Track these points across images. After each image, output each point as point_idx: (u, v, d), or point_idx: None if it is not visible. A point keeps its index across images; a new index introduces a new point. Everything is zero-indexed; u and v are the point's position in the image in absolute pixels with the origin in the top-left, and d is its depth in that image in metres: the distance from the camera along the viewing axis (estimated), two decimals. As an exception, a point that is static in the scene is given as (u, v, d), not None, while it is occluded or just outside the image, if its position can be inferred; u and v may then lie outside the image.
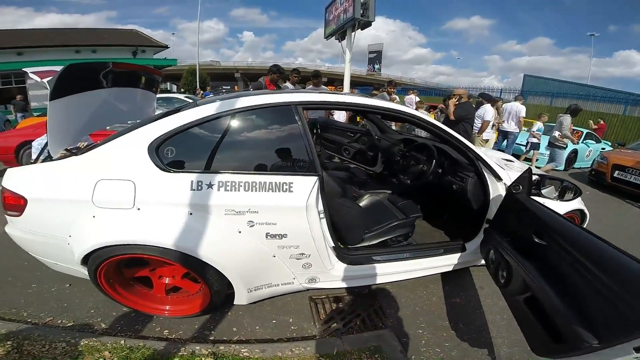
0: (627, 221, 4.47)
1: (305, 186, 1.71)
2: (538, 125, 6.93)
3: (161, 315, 1.96)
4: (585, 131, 8.14)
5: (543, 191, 2.38)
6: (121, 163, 1.64)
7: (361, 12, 9.21)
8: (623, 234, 3.83)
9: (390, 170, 3.43)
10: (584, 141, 7.88)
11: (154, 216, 1.60)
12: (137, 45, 19.74)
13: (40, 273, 2.28)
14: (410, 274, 2.18)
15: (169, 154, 1.64)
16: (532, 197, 1.81)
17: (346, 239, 2.15)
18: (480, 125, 5.42)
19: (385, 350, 1.80)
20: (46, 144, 2.01)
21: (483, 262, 2.19)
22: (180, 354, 1.65)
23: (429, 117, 2.24)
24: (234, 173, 1.66)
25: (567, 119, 5.52)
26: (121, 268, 1.88)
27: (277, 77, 4.62)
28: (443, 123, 2.67)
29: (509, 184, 2.05)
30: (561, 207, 2.30)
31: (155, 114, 2.57)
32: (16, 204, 1.65)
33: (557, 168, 6.13)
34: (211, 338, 1.86)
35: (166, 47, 21.32)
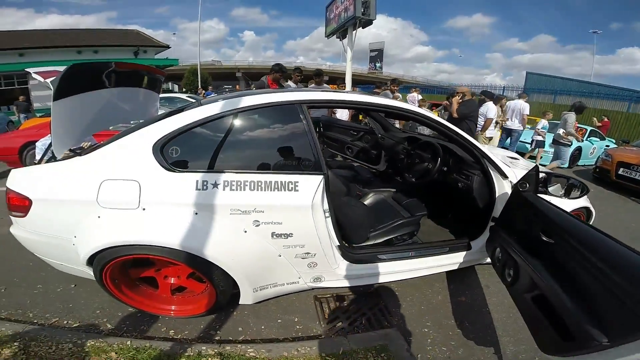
0: (632, 219, 4.44)
1: (311, 185, 1.70)
2: (543, 122, 6.89)
3: (167, 315, 1.96)
4: (589, 129, 8.08)
5: (549, 189, 2.36)
6: (126, 163, 1.64)
7: (362, 10, 9.20)
8: (628, 231, 3.81)
9: (394, 168, 3.41)
10: (588, 139, 7.82)
11: (160, 216, 1.59)
12: (139, 45, 19.81)
13: (46, 273, 2.28)
14: (415, 273, 2.17)
15: (174, 154, 1.64)
16: (539, 194, 1.79)
17: (351, 238, 2.14)
18: (483, 123, 5.39)
19: (392, 349, 1.79)
20: (50, 145, 2.02)
21: (489, 260, 2.18)
22: (186, 354, 1.64)
23: (434, 115, 2.22)
24: (239, 172, 1.66)
25: (571, 117, 5.49)
26: (127, 268, 1.87)
27: (279, 76, 4.62)
28: (447, 121, 2.65)
29: (514, 182, 2.04)
30: (567, 205, 2.28)
31: (159, 114, 2.56)
32: (21, 205, 1.65)
33: (562, 166, 6.10)
34: (217, 338, 1.86)
35: (167, 47, 21.39)
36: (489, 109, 5.40)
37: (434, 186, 2.70)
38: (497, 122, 6.08)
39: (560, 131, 5.64)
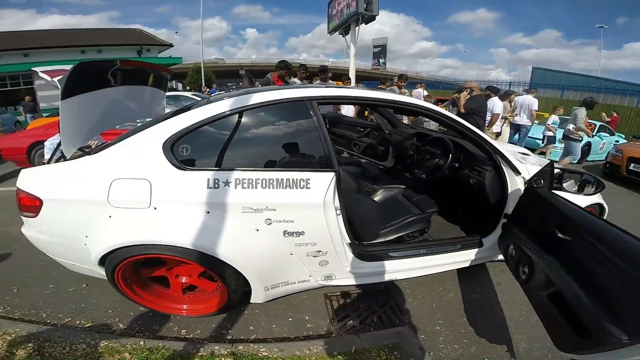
0: (643, 214, 4.37)
1: (323, 182, 1.68)
2: (553, 118, 6.81)
3: (179, 314, 1.95)
4: (598, 124, 7.99)
5: (564, 185, 2.32)
6: (136, 162, 1.62)
7: (365, 6, 9.15)
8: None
9: (403, 164, 3.38)
10: (597, 134, 7.73)
11: (171, 215, 1.58)
12: (142, 44, 19.90)
13: (57, 273, 2.29)
14: (426, 270, 2.15)
15: (184, 152, 1.62)
16: (554, 191, 1.76)
17: (362, 235, 2.12)
18: (490, 118, 5.33)
19: (405, 347, 1.78)
20: (59, 144, 2.02)
21: (500, 257, 2.16)
22: (199, 354, 1.64)
23: (446, 112, 2.18)
24: (250, 170, 1.64)
25: (582, 112, 5.41)
26: (138, 268, 1.87)
27: (284, 73, 4.59)
28: (455, 116, 2.61)
29: (527, 178, 2.01)
30: (581, 201, 2.24)
31: (165, 112, 2.56)
32: (32, 205, 1.64)
33: (573, 161, 6.03)
34: (229, 337, 1.85)
35: (171, 45, 21.45)
36: (495, 104, 5.34)
37: (444, 182, 2.67)
38: (505, 118, 6.01)
39: (571, 126, 5.57)
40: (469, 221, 2.68)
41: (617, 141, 8.03)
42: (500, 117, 5.48)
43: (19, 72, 15.61)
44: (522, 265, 1.68)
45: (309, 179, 1.67)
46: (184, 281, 1.94)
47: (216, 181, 1.59)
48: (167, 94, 2.82)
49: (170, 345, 1.68)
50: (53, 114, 6.66)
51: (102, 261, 1.67)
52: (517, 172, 2.10)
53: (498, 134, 5.72)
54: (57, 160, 1.91)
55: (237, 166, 1.64)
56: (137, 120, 2.76)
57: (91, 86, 1.82)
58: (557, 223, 1.52)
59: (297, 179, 1.65)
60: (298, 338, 1.87)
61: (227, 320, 1.97)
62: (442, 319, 2.07)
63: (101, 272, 1.75)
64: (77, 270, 1.93)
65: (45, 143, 3.07)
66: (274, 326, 1.95)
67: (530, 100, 6.42)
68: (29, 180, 1.68)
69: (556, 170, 2.15)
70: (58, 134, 1.81)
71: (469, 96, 4.69)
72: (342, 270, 1.93)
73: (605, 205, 2.61)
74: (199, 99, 6.02)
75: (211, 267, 1.68)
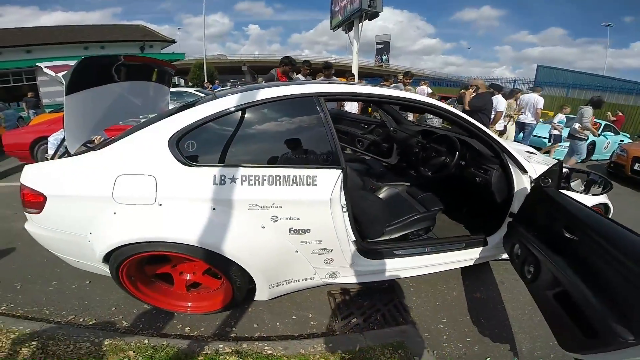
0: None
1: (330, 179, 1.67)
2: (560, 117, 6.76)
3: (183, 312, 1.95)
4: (603, 123, 7.96)
5: (571, 184, 2.30)
6: (141, 158, 1.61)
7: (368, 2, 9.09)
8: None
9: (408, 161, 3.36)
10: (602, 133, 7.70)
11: (177, 212, 1.57)
12: (145, 40, 19.87)
13: (60, 270, 2.29)
14: (431, 269, 2.13)
15: (190, 148, 1.60)
16: (561, 190, 1.75)
17: (367, 233, 2.11)
18: (493, 116, 5.29)
19: (409, 346, 1.77)
20: (63, 140, 2.01)
21: (504, 256, 2.14)
22: (204, 352, 1.63)
23: (455, 110, 2.16)
24: (257, 167, 1.62)
25: (588, 111, 5.37)
26: (143, 265, 1.86)
27: (288, 69, 4.57)
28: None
29: (534, 177, 1.99)
30: (587, 201, 2.22)
31: (169, 108, 2.54)
32: (35, 201, 1.63)
33: (578, 161, 6.00)
34: (233, 335, 1.85)
35: (173, 41, 21.40)
36: (499, 102, 5.30)
37: (449, 180, 2.66)
38: (510, 117, 5.97)
39: (577, 125, 5.52)
40: (474, 220, 2.66)
41: (622, 141, 8.01)
42: (503, 115, 5.44)
43: (21, 68, 15.62)
44: (527, 264, 1.67)
45: (316, 176, 1.65)
46: (188, 278, 1.93)
47: (222, 177, 1.57)
48: (171, 89, 2.81)
49: (174, 344, 1.67)
50: (56, 110, 6.67)
51: (107, 258, 1.66)
52: (524, 171, 2.08)
53: (501, 132, 5.67)
54: (61, 156, 1.90)
55: (244, 162, 1.63)
56: (140, 116, 2.76)
57: (95, 82, 1.81)
58: (564, 223, 1.50)
59: (303, 176, 1.64)
60: (302, 336, 1.87)
61: (230, 317, 1.96)
62: (445, 318, 2.07)
63: (105, 270, 1.75)
64: (80, 267, 1.92)
65: (49, 139, 3.06)
66: (277, 324, 1.95)
67: (536, 99, 6.37)
68: (33, 176, 1.67)
69: (565, 170, 2.14)
70: (62, 130, 1.80)
71: (474, 94, 4.65)
72: (347, 268, 1.92)
73: (611, 205, 2.60)
74: (202, 95, 6.01)
75: (216, 264, 1.67)
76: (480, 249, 2.21)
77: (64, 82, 1.56)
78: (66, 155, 1.83)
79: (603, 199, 2.48)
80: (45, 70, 2.58)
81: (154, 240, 1.57)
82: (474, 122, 2.08)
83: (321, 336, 1.86)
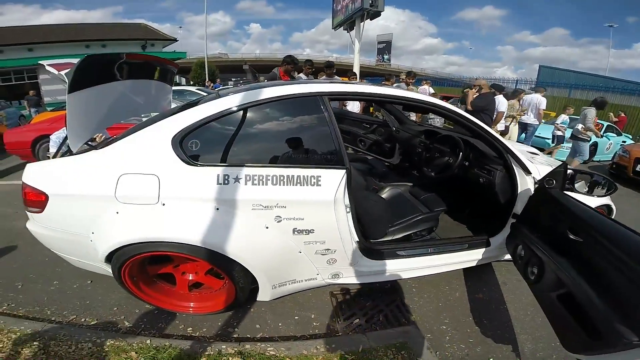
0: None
1: (334, 180, 1.66)
2: (563, 118, 6.74)
3: (185, 312, 1.94)
4: (605, 124, 7.93)
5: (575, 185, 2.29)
6: (144, 157, 1.60)
7: (370, 2, 9.09)
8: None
9: (410, 162, 3.35)
10: (605, 134, 7.67)
11: (180, 212, 1.56)
12: (146, 39, 19.89)
13: (61, 269, 2.28)
14: (434, 269, 2.13)
15: (194, 147, 1.59)
16: (565, 192, 1.74)
17: (370, 234, 2.10)
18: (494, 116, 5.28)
19: (412, 346, 1.77)
20: (65, 138, 2.00)
21: (507, 257, 2.14)
22: (206, 353, 1.62)
23: (460, 110, 2.15)
24: (261, 166, 1.61)
25: (591, 112, 5.33)
26: (145, 265, 1.85)
27: (291, 68, 4.56)
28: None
29: (537, 178, 1.98)
30: (591, 202, 2.21)
31: (172, 107, 2.53)
32: (37, 200, 1.62)
33: (581, 162, 5.97)
34: (235, 335, 1.84)
35: (175, 40, 21.43)
36: (500, 102, 5.29)
37: (452, 181, 2.65)
38: (513, 117, 5.95)
39: (579, 126, 5.49)
40: (477, 220, 2.65)
41: (624, 142, 7.98)
42: (505, 115, 5.43)
43: (23, 66, 15.64)
44: (531, 265, 1.67)
45: (320, 176, 1.64)
46: (190, 278, 1.92)
47: (226, 177, 1.56)
48: (173, 88, 2.80)
49: (177, 344, 1.66)
50: (57, 108, 6.68)
51: (109, 258, 1.65)
52: (528, 172, 2.07)
53: (503, 133, 5.66)
54: (63, 155, 1.89)
55: (248, 162, 1.61)
56: (142, 115, 2.74)
57: (98, 80, 1.80)
58: (569, 224, 1.50)
59: (308, 176, 1.63)
60: (304, 337, 1.86)
61: (233, 318, 1.95)
62: (448, 319, 2.06)
63: (107, 269, 1.74)
64: (82, 266, 1.91)
65: (51, 137, 3.05)
66: (280, 324, 1.94)
67: (539, 99, 6.35)
68: (35, 174, 1.66)
69: (570, 171, 2.13)
70: (64, 128, 1.79)
71: (477, 94, 4.64)
72: (350, 269, 1.91)
73: (614, 206, 2.60)
74: (204, 94, 6.00)
75: (219, 264, 1.66)
76: (483, 249, 2.20)
77: (67, 80, 1.55)
78: (68, 153, 1.82)
79: (606, 200, 2.48)
80: (47, 67, 2.57)
81: (157, 240, 1.56)
82: (478, 122, 2.07)
83: (324, 337, 1.85)
